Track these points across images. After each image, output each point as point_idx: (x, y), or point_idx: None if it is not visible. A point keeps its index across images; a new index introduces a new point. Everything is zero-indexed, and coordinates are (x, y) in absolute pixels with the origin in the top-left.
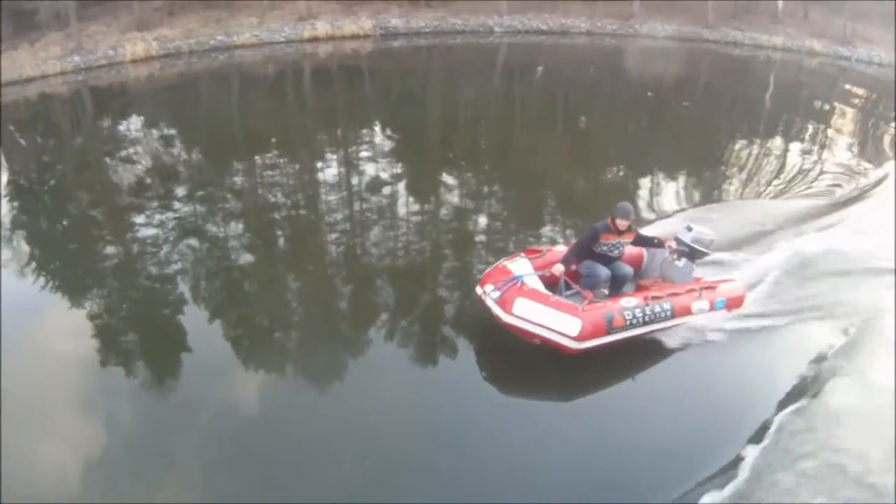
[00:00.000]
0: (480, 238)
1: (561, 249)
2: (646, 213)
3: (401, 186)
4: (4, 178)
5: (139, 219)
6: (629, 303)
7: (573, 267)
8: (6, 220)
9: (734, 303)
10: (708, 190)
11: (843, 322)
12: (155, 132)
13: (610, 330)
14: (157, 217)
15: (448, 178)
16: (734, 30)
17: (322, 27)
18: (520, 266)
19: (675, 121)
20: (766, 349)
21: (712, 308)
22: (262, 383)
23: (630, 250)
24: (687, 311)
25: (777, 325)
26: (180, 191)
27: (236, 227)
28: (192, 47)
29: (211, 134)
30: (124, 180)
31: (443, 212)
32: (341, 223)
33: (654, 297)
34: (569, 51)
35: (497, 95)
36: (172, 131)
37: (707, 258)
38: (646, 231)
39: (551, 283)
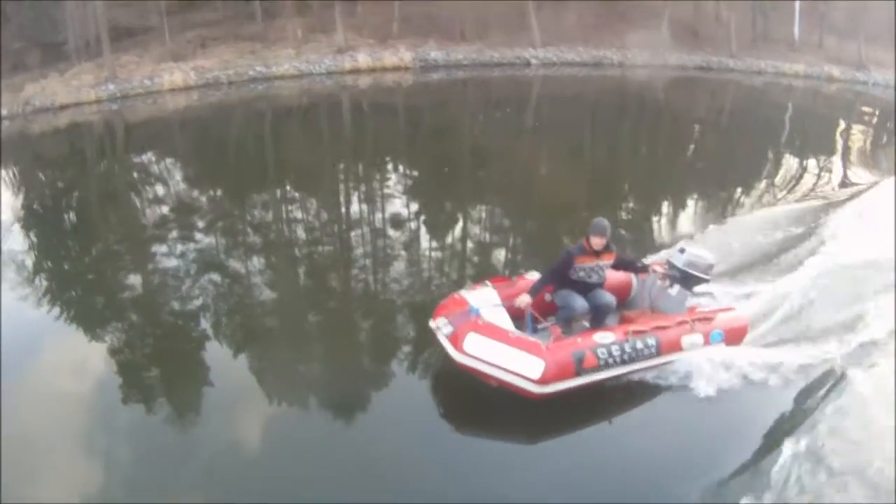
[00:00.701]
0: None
1: (534, 277)
2: (657, 238)
3: (421, 220)
4: (18, 205)
5: (160, 250)
6: (604, 338)
7: (548, 297)
8: (23, 249)
9: (734, 336)
10: (720, 208)
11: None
12: (184, 163)
13: (580, 371)
14: (178, 249)
15: (469, 211)
16: (757, 59)
17: (363, 59)
18: (482, 297)
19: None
20: (770, 396)
21: (707, 342)
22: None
23: (617, 277)
24: (676, 347)
25: (784, 364)
26: (202, 223)
27: (257, 261)
28: (231, 77)
29: (241, 166)
30: (148, 211)
31: (458, 246)
32: (354, 257)
33: (636, 332)
34: (602, 82)
35: (528, 128)
36: (202, 163)
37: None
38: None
39: (519, 317)
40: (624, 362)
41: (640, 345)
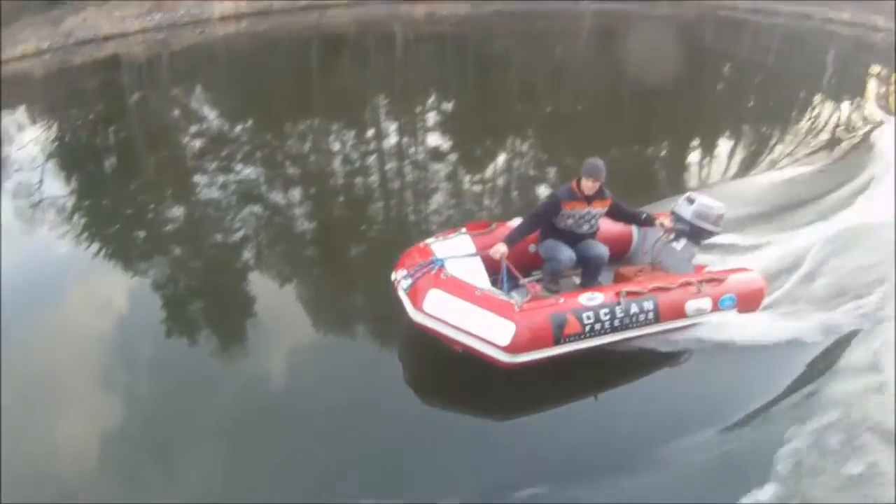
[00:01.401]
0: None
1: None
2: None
3: (454, 155)
4: (60, 138)
5: (202, 181)
6: (592, 300)
7: (532, 248)
8: (65, 184)
9: (748, 301)
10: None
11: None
12: (228, 94)
13: (559, 338)
14: (219, 180)
15: (504, 147)
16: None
17: None
18: (452, 246)
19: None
20: (780, 373)
21: (716, 308)
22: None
23: (614, 227)
24: (678, 313)
25: (800, 337)
26: (241, 154)
27: (295, 192)
28: (284, 6)
29: (287, 96)
30: (190, 143)
31: (480, 184)
32: (372, 189)
33: (631, 293)
34: (650, 21)
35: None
36: (247, 94)
37: (715, 239)
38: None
39: (498, 271)
40: (614, 329)
41: (635, 309)
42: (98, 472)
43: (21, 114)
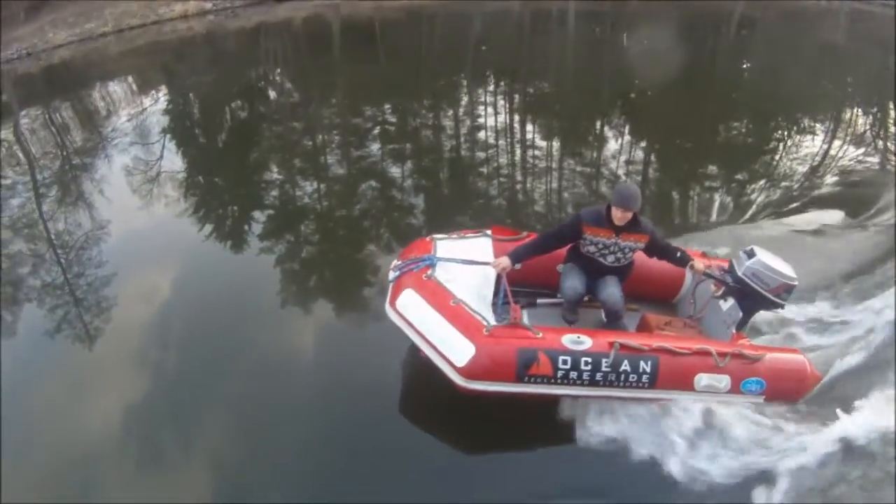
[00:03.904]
0: None
1: None
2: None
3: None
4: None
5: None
6: (576, 343)
7: (559, 267)
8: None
9: (784, 389)
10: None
11: None
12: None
13: (523, 376)
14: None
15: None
16: None
17: None
18: (464, 247)
19: None
20: None
21: (736, 390)
22: None
23: (665, 267)
24: (683, 384)
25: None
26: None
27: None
28: None
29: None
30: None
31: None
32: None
33: (626, 347)
34: None
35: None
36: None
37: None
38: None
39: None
40: (594, 384)
41: (626, 366)
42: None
43: None
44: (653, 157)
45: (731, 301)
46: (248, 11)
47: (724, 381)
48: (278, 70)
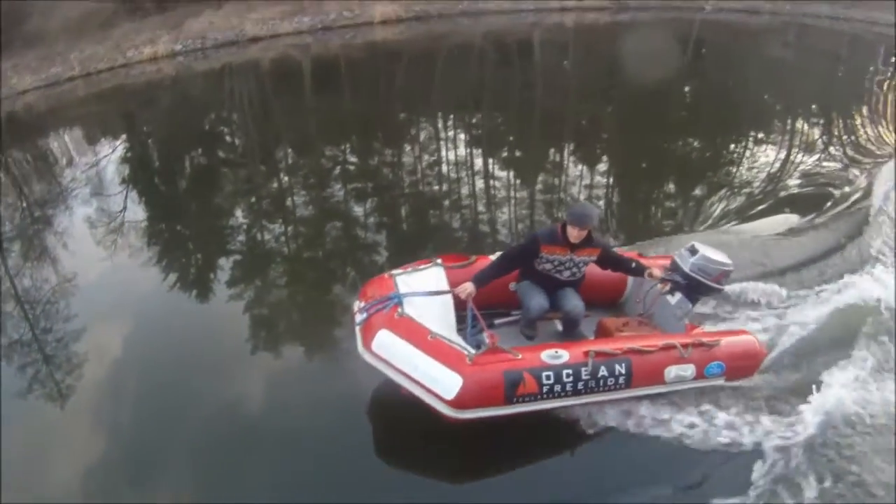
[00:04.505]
0: None
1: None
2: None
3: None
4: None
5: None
6: (555, 358)
7: (512, 286)
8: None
9: (740, 368)
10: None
11: None
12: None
13: (512, 397)
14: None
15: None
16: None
17: None
18: (421, 279)
19: None
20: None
21: (701, 376)
22: None
23: (605, 273)
24: (655, 379)
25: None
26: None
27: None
28: (441, 11)
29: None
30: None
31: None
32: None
33: (601, 354)
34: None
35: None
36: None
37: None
38: None
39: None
40: (577, 393)
41: (603, 372)
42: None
43: None
44: (611, 180)
45: (678, 295)
46: (219, 53)
47: (689, 369)
48: (243, 112)
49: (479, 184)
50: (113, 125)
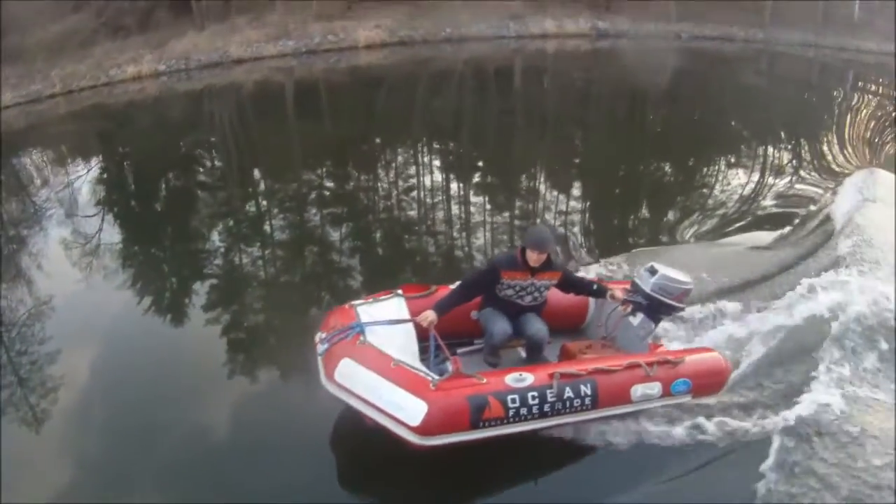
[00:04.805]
0: None
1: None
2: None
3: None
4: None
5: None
6: (519, 381)
7: (474, 315)
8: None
9: (706, 385)
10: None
11: None
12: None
13: (477, 422)
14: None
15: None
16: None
17: (549, 24)
18: (382, 309)
19: None
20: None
21: (667, 394)
22: None
23: (568, 297)
24: (621, 399)
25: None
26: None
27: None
28: (425, 36)
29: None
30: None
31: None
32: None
33: (566, 375)
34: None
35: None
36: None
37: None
38: None
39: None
40: (544, 415)
41: (569, 393)
42: None
43: None
44: (587, 205)
45: (640, 316)
46: (203, 73)
47: (655, 387)
48: (223, 134)
49: (455, 209)
50: (91, 144)
